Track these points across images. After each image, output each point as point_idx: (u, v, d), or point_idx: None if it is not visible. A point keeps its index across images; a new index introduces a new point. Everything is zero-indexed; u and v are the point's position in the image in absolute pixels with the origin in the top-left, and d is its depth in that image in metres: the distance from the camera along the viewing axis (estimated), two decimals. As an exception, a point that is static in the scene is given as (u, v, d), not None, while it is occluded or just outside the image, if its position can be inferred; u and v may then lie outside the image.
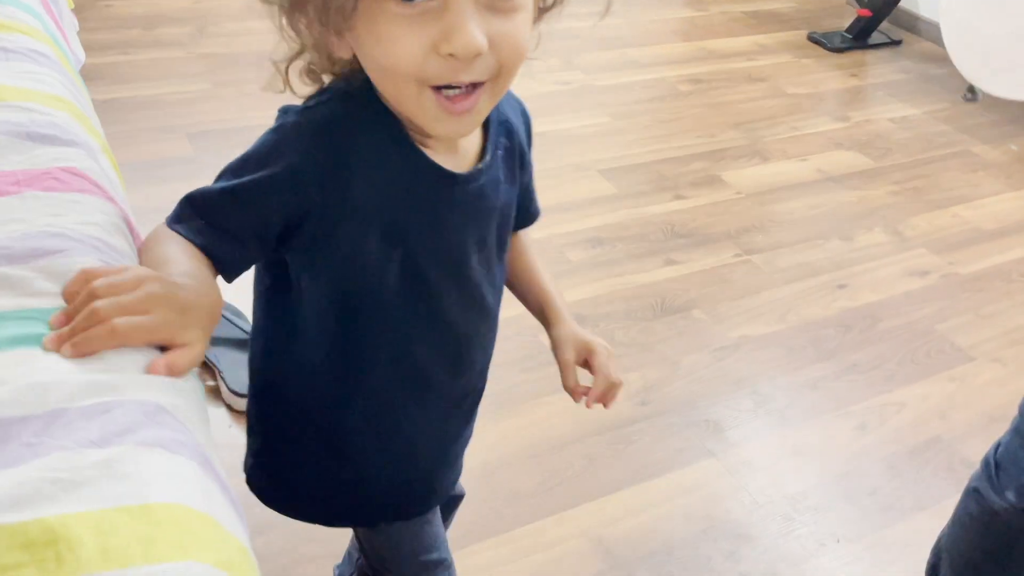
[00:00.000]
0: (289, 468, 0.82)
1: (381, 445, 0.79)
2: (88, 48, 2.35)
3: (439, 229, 0.69)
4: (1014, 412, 1.62)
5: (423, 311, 0.72)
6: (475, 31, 0.56)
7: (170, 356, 0.52)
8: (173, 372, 0.51)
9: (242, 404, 1.41)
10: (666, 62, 2.88)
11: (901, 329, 1.81)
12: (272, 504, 0.83)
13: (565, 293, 1.78)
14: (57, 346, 0.50)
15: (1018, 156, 2.52)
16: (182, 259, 0.59)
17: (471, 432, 0.90)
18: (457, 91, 0.59)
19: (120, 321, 0.50)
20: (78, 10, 2.55)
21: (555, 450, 1.45)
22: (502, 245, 0.77)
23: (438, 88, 0.59)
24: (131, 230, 0.64)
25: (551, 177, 2.17)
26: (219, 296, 0.58)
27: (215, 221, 0.64)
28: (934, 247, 2.08)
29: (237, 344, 1.47)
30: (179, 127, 2.13)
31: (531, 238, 0.92)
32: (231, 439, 1.39)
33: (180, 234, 0.63)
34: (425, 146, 0.66)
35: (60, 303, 0.50)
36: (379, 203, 0.65)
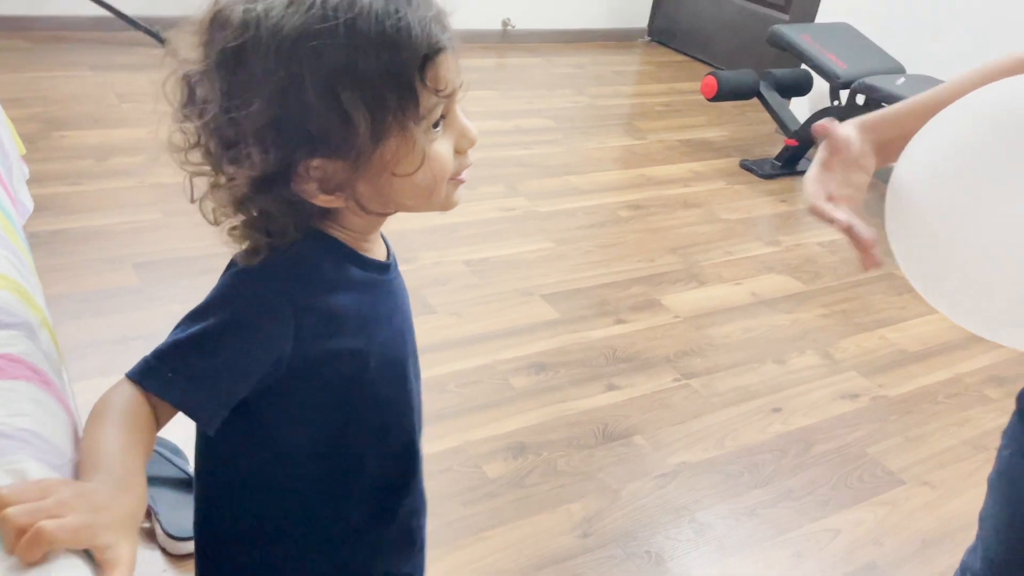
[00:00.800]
0: None
1: (388, 534, 0.84)
2: (40, 179, 2.39)
3: (391, 313, 0.79)
4: (945, 536, 1.66)
5: (398, 390, 0.80)
6: (472, 126, 0.72)
7: None
8: None
9: (179, 548, 1.38)
10: (607, 189, 3.01)
11: (834, 453, 1.86)
12: None
13: (508, 420, 1.83)
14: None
15: (939, 278, 2.66)
16: (112, 449, 0.61)
17: None
18: None
19: (44, 524, 0.51)
20: (32, 139, 2.60)
21: (497, 587, 1.44)
22: None
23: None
24: (67, 410, 0.66)
25: (495, 302, 2.22)
26: (142, 492, 0.59)
27: (186, 370, 0.66)
28: (863, 370, 2.16)
29: (176, 484, 1.46)
30: (126, 257, 2.15)
31: None
32: (165, 584, 1.36)
33: (148, 390, 0.65)
34: (363, 251, 0.75)
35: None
36: (348, 311, 0.73)
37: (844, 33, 3.10)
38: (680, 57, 4.69)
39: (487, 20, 4.34)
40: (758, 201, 3.06)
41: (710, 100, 3.22)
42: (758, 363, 2.13)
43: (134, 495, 0.58)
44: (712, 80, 3.17)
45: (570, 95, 3.90)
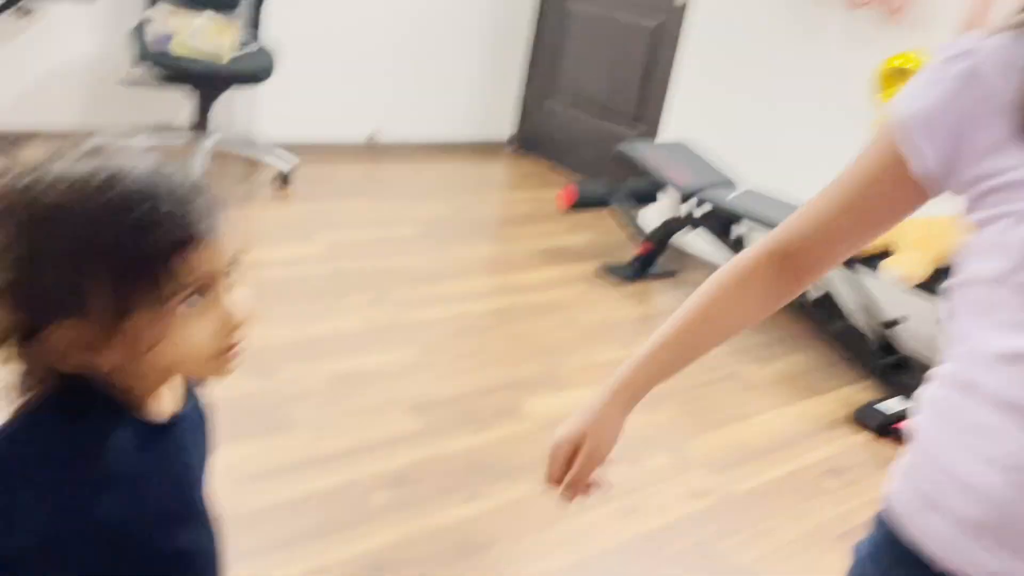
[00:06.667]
0: None
1: None
2: None
3: (170, 466, 0.78)
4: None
5: (171, 546, 0.78)
6: (240, 308, 0.72)
7: None
8: None
9: None
10: (472, 296, 3.09)
11: (687, 551, 1.93)
12: None
13: (368, 539, 1.81)
14: None
15: (783, 375, 2.85)
16: None
17: None
18: None
19: None
20: None
21: None
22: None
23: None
24: None
25: (357, 416, 2.23)
26: None
27: None
28: (712, 467, 2.28)
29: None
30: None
31: None
32: None
33: None
34: (144, 405, 0.75)
35: None
36: (121, 472, 0.71)
37: (682, 150, 3.36)
38: (544, 166, 4.94)
39: (353, 132, 4.45)
40: (617, 305, 3.21)
41: (566, 211, 3.39)
42: (613, 464, 2.21)
43: None
44: (567, 192, 3.35)
45: (437, 203, 4.02)
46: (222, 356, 0.73)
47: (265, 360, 2.31)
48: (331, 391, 2.32)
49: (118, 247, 0.65)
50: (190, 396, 0.83)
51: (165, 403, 0.78)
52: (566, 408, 2.42)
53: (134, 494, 0.73)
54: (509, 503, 2.00)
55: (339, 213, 3.66)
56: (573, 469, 0.99)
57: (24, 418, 0.70)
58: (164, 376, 0.74)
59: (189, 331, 0.69)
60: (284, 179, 3.73)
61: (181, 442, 0.80)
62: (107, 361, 0.69)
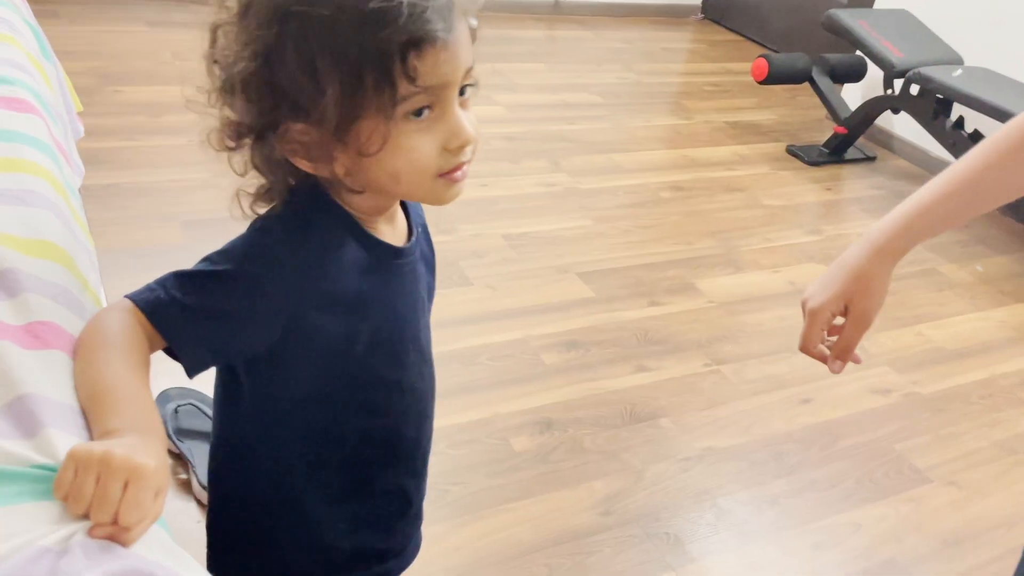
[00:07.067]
0: (270, 557, 0.85)
1: (366, 510, 0.85)
2: (93, 133, 2.45)
3: (394, 297, 0.78)
4: (968, 537, 1.65)
5: (390, 376, 0.80)
6: (469, 126, 0.69)
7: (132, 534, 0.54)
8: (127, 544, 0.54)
9: (212, 500, 1.43)
10: (650, 168, 2.99)
11: (861, 447, 1.86)
12: None
13: (538, 396, 1.85)
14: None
15: (983, 277, 2.62)
16: (132, 391, 0.62)
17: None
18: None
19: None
20: (87, 93, 2.66)
21: (516, 558, 1.48)
22: (430, 304, 0.88)
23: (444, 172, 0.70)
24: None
25: (531, 278, 2.24)
26: (166, 447, 0.60)
27: (182, 301, 0.67)
28: (897, 365, 2.15)
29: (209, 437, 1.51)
30: (174, 215, 2.21)
31: None
32: (200, 534, 1.42)
33: (146, 313, 0.67)
34: (373, 229, 0.75)
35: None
36: (346, 286, 0.73)
37: (902, 20, 3.03)
38: (733, 36, 4.62)
39: (539, -9, 4.31)
40: (802, 188, 3.02)
41: (760, 83, 3.17)
42: (790, 352, 2.12)
43: (163, 441, 0.60)
44: (763, 63, 3.12)
45: (618, 71, 3.87)
46: (447, 176, 0.70)
47: (444, 216, 2.35)
48: (505, 252, 2.34)
49: (355, 38, 0.62)
50: (420, 232, 0.82)
51: (396, 233, 0.78)
52: (742, 290, 2.36)
53: (359, 316, 0.74)
54: (679, 378, 1.98)
55: (518, 75, 3.59)
56: (842, 337, 0.92)
57: (256, 229, 0.72)
58: (390, 189, 0.71)
59: (416, 141, 0.67)
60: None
61: (412, 272, 0.80)
62: (336, 168, 0.69)
